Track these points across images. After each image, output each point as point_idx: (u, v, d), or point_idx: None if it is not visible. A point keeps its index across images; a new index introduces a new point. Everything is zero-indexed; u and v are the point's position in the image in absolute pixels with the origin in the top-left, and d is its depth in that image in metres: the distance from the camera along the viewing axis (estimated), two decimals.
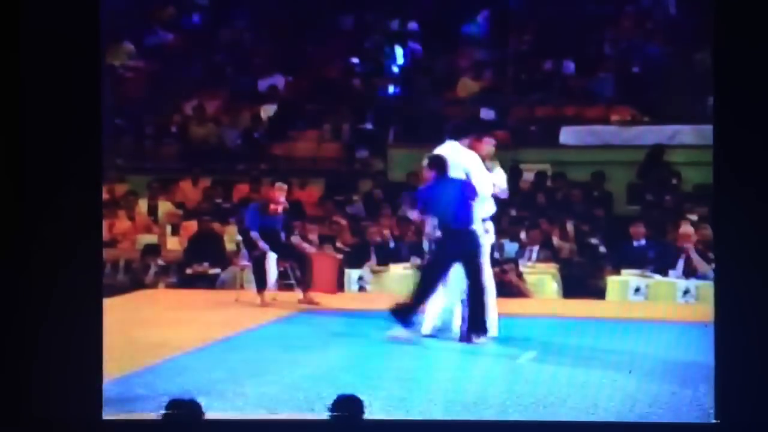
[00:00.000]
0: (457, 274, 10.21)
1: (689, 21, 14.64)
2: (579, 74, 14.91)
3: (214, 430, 7.31)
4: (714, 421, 7.65)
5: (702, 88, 14.13)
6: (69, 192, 7.52)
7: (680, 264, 12.33)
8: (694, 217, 12.65)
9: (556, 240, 12.87)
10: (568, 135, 13.95)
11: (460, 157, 10.24)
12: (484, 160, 10.36)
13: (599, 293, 12.30)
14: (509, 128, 14.21)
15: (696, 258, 12.21)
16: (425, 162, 10.29)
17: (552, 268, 12.50)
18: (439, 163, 10.29)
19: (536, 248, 12.73)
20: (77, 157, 7.51)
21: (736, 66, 7.52)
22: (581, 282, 12.56)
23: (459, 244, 10.15)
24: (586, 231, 12.99)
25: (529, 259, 12.70)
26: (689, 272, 12.30)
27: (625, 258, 12.57)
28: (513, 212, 13.01)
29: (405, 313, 10.17)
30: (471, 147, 10.35)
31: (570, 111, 14.16)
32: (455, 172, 10.23)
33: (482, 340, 10.02)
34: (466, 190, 10.21)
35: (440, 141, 12.41)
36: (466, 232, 10.14)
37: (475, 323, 10.08)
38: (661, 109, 14.12)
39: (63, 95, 7.50)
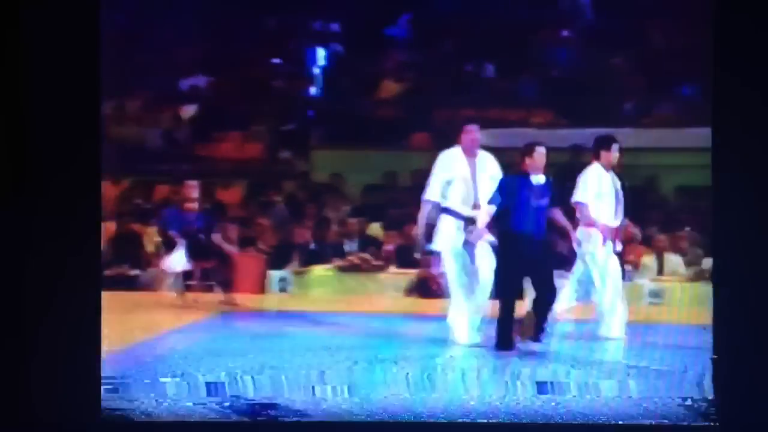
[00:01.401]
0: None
1: (607, 26, 14.92)
2: (500, 77, 15.08)
3: (214, 431, 7.32)
4: (712, 423, 7.70)
5: (619, 91, 14.44)
6: (67, 192, 7.49)
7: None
8: None
9: None
10: (488, 137, 14.09)
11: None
12: (612, 169, 10.26)
13: None
14: (432, 130, 14.34)
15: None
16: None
17: None
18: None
19: None
20: (75, 156, 7.51)
21: (735, 69, 7.60)
22: None
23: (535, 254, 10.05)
24: None
25: None
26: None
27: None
28: None
29: (535, 332, 10.08)
30: (598, 157, 10.28)
31: (493, 114, 14.32)
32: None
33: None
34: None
35: (363, 143, 12.40)
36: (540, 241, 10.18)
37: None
38: (580, 112, 14.35)
39: (64, 95, 7.49)
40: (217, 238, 12.34)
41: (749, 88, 7.63)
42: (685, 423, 7.99)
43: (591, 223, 10.49)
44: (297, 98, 15.48)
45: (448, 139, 14.39)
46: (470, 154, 10.36)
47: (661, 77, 14.57)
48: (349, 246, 13.29)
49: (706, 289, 12.15)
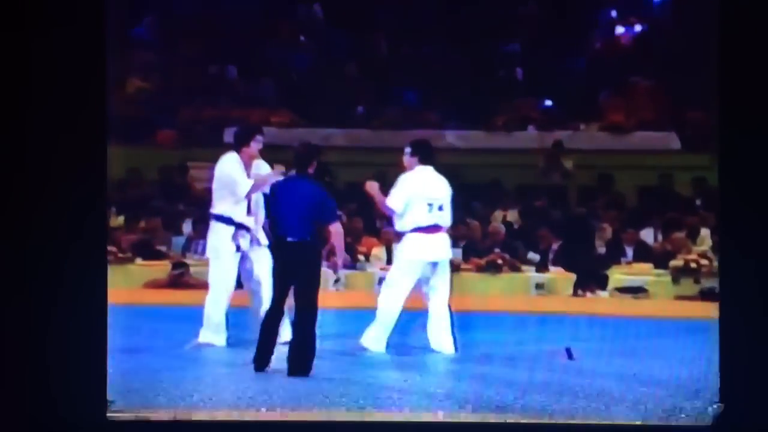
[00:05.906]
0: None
1: (337, 36, 16.08)
2: (242, 79, 15.94)
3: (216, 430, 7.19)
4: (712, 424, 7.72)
5: (349, 95, 15.53)
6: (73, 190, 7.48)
7: None
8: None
9: None
10: (232, 135, 14.91)
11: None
12: None
13: None
14: (178, 128, 14.95)
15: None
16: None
17: None
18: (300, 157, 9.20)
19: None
20: (81, 151, 7.51)
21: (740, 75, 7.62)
22: None
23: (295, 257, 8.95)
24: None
25: None
26: None
27: None
28: (181, 206, 13.82)
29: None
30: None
31: (235, 113, 15.11)
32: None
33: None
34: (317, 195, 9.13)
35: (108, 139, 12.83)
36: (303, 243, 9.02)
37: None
38: (316, 113, 15.42)
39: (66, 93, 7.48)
40: None
41: (755, 94, 7.53)
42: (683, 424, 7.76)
43: None
44: None
45: (193, 137, 14.97)
46: (249, 163, 10.32)
47: (386, 83, 15.77)
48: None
49: None
